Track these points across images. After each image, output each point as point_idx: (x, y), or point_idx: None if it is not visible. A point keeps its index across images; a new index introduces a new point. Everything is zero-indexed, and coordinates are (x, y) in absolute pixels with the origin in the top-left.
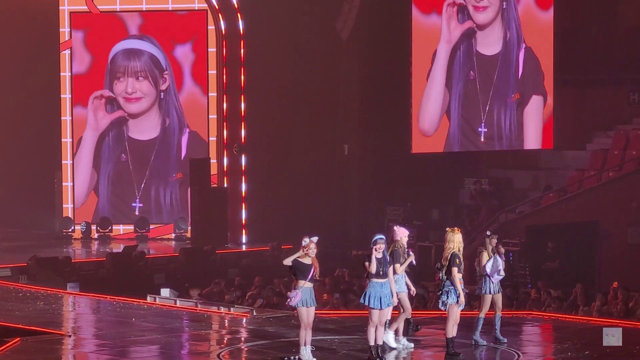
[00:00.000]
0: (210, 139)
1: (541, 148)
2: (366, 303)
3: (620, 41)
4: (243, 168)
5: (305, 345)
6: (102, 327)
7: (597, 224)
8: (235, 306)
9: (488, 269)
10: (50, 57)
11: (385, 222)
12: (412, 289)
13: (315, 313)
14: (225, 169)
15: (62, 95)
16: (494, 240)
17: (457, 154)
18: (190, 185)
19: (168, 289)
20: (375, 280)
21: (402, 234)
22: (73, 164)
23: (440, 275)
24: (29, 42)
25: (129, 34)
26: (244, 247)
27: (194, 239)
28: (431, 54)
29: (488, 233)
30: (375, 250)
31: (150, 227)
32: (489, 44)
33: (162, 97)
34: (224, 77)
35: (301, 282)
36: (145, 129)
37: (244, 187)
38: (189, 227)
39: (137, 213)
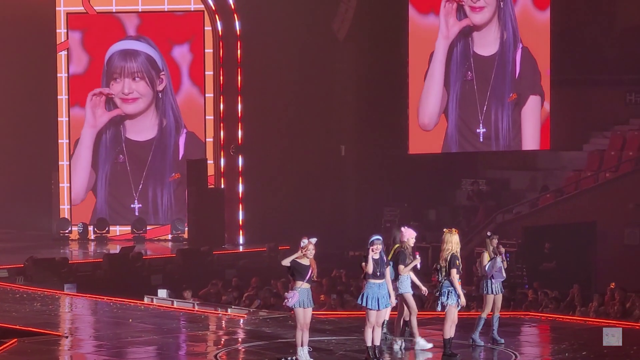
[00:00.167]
0: (207, 139)
1: (539, 149)
2: (363, 304)
3: (617, 42)
4: (240, 169)
5: (302, 346)
6: (99, 328)
7: (594, 225)
8: (233, 307)
9: (488, 270)
10: (47, 58)
11: (382, 223)
12: (424, 288)
13: (313, 314)
14: (222, 169)
15: (58, 97)
16: (495, 241)
17: (454, 154)
18: (187, 186)
19: (164, 290)
20: (372, 281)
21: (409, 235)
22: (70, 163)
23: (439, 276)
24: (25, 43)
25: (127, 34)
26: (241, 248)
27: (191, 240)
28: (428, 55)
29: (489, 234)
30: (372, 251)
31: (148, 228)
32: (486, 44)
33: (159, 97)
34: (221, 77)
35: (299, 283)
36: (143, 130)
37: (241, 188)
38: (186, 228)
39: (136, 214)
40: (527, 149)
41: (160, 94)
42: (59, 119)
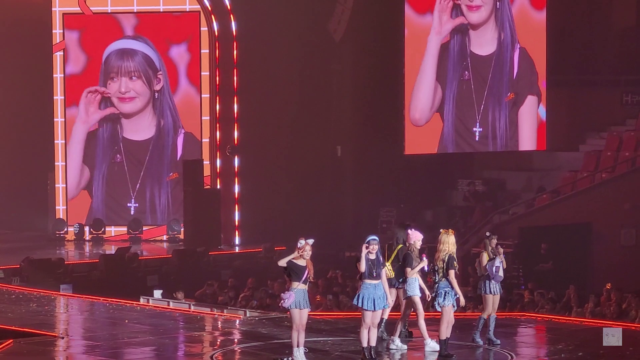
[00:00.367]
0: (203, 140)
1: (536, 149)
2: (359, 304)
3: (613, 42)
4: (236, 169)
5: (298, 346)
6: (95, 329)
7: (590, 226)
8: (229, 308)
9: (488, 270)
10: (43, 58)
11: (378, 224)
12: (427, 292)
13: (309, 314)
14: (218, 170)
15: (54, 97)
16: (494, 241)
17: (450, 155)
18: (184, 186)
19: (160, 291)
20: (368, 281)
21: (415, 237)
22: (65, 162)
23: (435, 277)
24: (21, 44)
25: (124, 34)
26: (237, 249)
27: (187, 241)
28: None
29: (488, 234)
30: (369, 251)
31: (144, 229)
32: (483, 43)
33: (156, 97)
34: (217, 78)
35: (295, 284)
36: (140, 130)
37: (237, 188)
38: (182, 229)
39: (132, 213)
40: (524, 149)
41: (157, 94)
42: (54, 119)
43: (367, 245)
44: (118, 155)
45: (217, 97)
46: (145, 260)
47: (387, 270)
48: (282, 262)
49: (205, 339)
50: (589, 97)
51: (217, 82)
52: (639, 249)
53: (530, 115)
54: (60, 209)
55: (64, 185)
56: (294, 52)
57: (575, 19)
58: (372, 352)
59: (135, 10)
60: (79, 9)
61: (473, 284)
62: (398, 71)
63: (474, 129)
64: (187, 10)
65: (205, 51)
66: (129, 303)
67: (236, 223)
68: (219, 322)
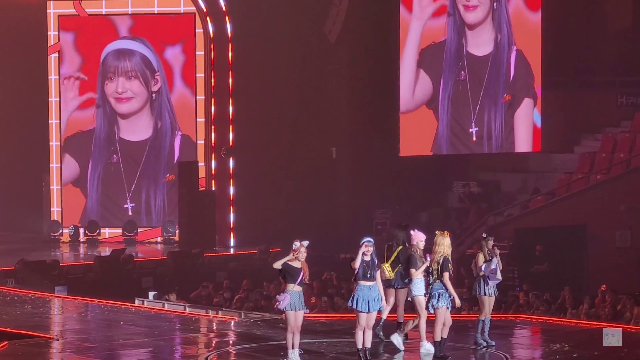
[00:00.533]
0: (198, 142)
1: (531, 151)
2: (354, 306)
3: (608, 44)
4: (231, 171)
5: (293, 348)
6: (90, 331)
7: (585, 227)
8: (224, 309)
9: (483, 271)
10: (38, 60)
11: (373, 225)
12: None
13: (304, 316)
14: (213, 172)
15: (49, 99)
16: (490, 242)
17: (445, 156)
18: (179, 188)
19: (156, 292)
20: (363, 283)
21: (418, 238)
22: (61, 167)
23: (429, 278)
24: (16, 46)
25: (119, 35)
26: (232, 251)
27: (182, 243)
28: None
29: (484, 235)
30: (364, 253)
31: (139, 231)
32: (480, 44)
33: (153, 98)
34: (212, 80)
35: (290, 286)
36: (137, 130)
37: (232, 190)
38: (177, 231)
39: (130, 213)
40: (520, 151)
41: (155, 95)
42: (50, 121)
43: (362, 246)
44: (114, 156)
45: (212, 99)
46: (140, 262)
47: (387, 272)
48: (277, 265)
49: (200, 340)
50: (584, 99)
51: (212, 84)
52: (634, 250)
53: (527, 118)
54: (55, 211)
55: (60, 188)
56: (289, 53)
57: (571, 21)
58: (367, 354)
59: (130, 12)
60: (74, 10)
61: (468, 285)
62: (393, 72)
63: (470, 129)
64: (182, 11)
65: (200, 53)
66: (123, 305)
67: (231, 225)
68: (214, 324)
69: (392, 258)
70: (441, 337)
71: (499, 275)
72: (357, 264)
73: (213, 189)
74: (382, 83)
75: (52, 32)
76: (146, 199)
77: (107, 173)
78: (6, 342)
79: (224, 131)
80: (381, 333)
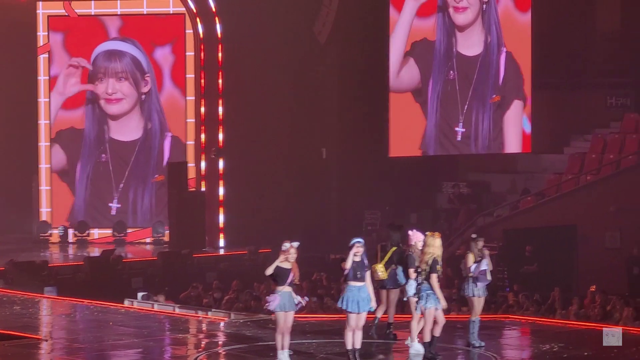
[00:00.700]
0: (188, 142)
1: (521, 152)
2: (343, 307)
3: (598, 45)
4: (221, 172)
5: (282, 349)
6: (79, 331)
7: (575, 228)
8: (213, 310)
9: (472, 271)
10: (28, 61)
11: (363, 226)
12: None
13: (293, 317)
14: (203, 173)
15: (39, 99)
16: (480, 243)
17: (434, 157)
18: (168, 189)
19: (144, 294)
20: (352, 284)
21: (416, 238)
22: (51, 167)
23: (419, 278)
24: (6, 47)
25: (109, 36)
26: (221, 251)
27: (171, 243)
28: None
29: (474, 236)
30: (354, 253)
31: (128, 231)
32: (470, 45)
33: (143, 99)
34: (202, 80)
35: (280, 287)
36: (127, 131)
37: (221, 191)
38: (167, 231)
39: (113, 213)
40: (510, 152)
41: (144, 96)
42: (39, 121)
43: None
44: (103, 155)
45: (202, 100)
46: (129, 263)
47: (380, 272)
48: (269, 271)
49: (189, 341)
50: (573, 100)
51: (202, 85)
52: (623, 251)
53: (516, 120)
54: (44, 212)
55: (49, 188)
56: (279, 54)
57: (561, 22)
58: (357, 355)
59: (119, 13)
60: (64, 11)
61: (458, 286)
62: (383, 73)
63: (457, 128)
64: (171, 12)
65: (190, 53)
66: (113, 305)
67: (221, 225)
68: (204, 325)
69: (386, 258)
70: (433, 336)
71: (488, 276)
72: (348, 264)
73: (203, 189)
74: (372, 83)
75: (41, 33)
76: (133, 199)
77: (96, 172)
78: None
79: (213, 132)
80: (374, 334)
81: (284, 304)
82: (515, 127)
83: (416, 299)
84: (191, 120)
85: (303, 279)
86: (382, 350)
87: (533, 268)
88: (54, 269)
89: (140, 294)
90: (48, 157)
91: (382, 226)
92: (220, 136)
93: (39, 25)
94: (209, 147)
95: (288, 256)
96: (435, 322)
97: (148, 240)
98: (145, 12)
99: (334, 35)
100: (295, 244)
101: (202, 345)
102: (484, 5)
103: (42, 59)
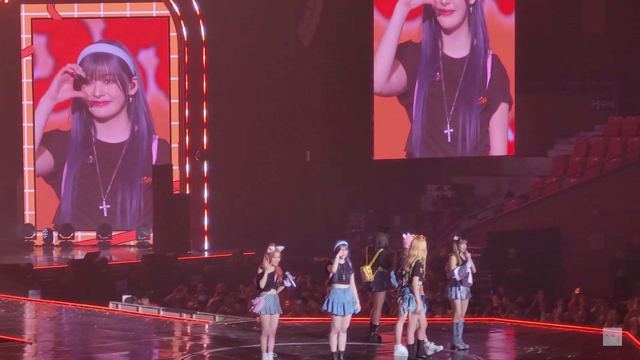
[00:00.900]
0: (172, 145)
1: (506, 155)
2: (329, 310)
3: (582, 48)
4: (205, 175)
5: (267, 352)
6: (64, 334)
7: (559, 231)
8: (198, 313)
9: (456, 275)
10: (11, 63)
11: (347, 229)
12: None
13: (279, 319)
14: (187, 175)
15: (22, 102)
16: (463, 245)
17: (419, 160)
18: (153, 191)
19: (129, 296)
20: (337, 286)
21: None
22: (34, 170)
23: (402, 281)
24: None
25: (93, 38)
26: (206, 254)
27: (156, 246)
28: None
29: (456, 238)
30: (340, 256)
31: (113, 234)
32: (456, 47)
33: (130, 102)
34: (186, 83)
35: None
36: (114, 133)
37: (206, 193)
38: (151, 234)
39: (105, 215)
40: (496, 154)
41: (132, 99)
42: (23, 124)
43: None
44: (90, 157)
45: (187, 102)
46: (114, 266)
47: (367, 274)
48: (263, 284)
49: (174, 344)
50: (557, 103)
51: (187, 87)
52: (607, 254)
53: (503, 123)
54: (28, 214)
55: (33, 191)
56: (263, 57)
57: (545, 25)
58: (341, 357)
59: (102, 16)
60: (47, 14)
61: (442, 289)
62: (367, 75)
63: (445, 130)
64: (154, 15)
65: (174, 56)
66: (98, 308)
67: (205, 228)
68: (188, 327)
69: (373, 260)
70: (417, 340)
71: (470, 280)
72: (335, 268)
73: (187, 192)
74: (356, 86)
75: (24, 35)
76: (122, 201)
77: (83, 174)
78: None
79: (198, 135)
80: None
81: (270, 307)
82: (502, 130)
83: (399, 302)
84: (175, 123)
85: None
86: (366, 353)
87: (517, 270)
88: (38, 271)
89: (124, 297)
90: (32, 159)
91: (366, 229)
92: (205, 139)
93: (22, 28)
94: (194, 149)
95: (272, 259)
96: (419, 326)
97: (132, 242)
98: (128, 15)
99: (318, 37)
100: (280, 248)
101: (187, 348)
102: (471, 8)
103: (25, 61)
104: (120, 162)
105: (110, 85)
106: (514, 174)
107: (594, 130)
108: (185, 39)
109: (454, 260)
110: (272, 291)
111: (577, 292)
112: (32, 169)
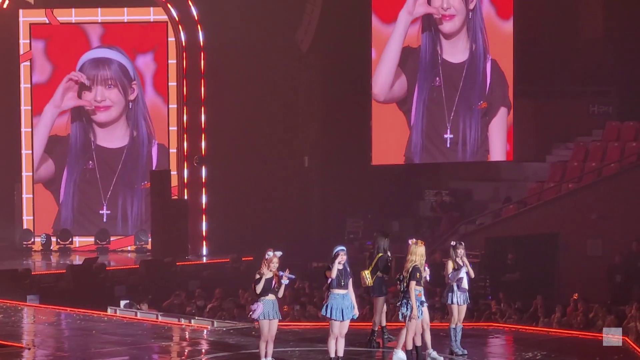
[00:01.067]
0: (170, 150)
1: (505, 160)
2: (327, 315)
3: (580, 53)
4: (203, 180)
5: (265, 357)
6: (62, 340)
7: (557, 236)
8: (196, 318)
9: (449, 278)
10: (10, 69)
11: (345, 234)
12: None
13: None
14: (185, 180)
15: (21, 107)
16: (460, 251)
17: (417, 165)
18: (151, 197)
19: (127, 302)
20: (336, 291)
21: None
22: (33, 175)
23: (401, 286)
24: None
25: (91, 43)
26: (204, 259)
27: (154, 251)
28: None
29: (453, 243)
30: (338, 261)
31: (111, 239)
32: (455, 52)
33: (130, 107)
34: (184, 88)
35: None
36: (114, 138)
37: (204, 199)
38: (150, 239)
39: (105, 220)
40: (495, 160)
41: (131, 104)
42: (21, 129)
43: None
44: (90, 162)
45: (185, 108)
46: (112, 271)
47: (367, 279)
48: (259, 289)
49: (172, 349)
50: (555, 108)
51: (185, 93)
52: (605, 259)
53: (502, 128)
54: (26, 220)
55: (31, 196)
56: (261, 62)
57: (543, 30)
58: None
59: (100, 21)
60: (45, 19)
61: (440, 294)
62: (365, 81)
63: (445, 135)
64: (152, 20)
65: (172, 61)
66: (96, 313)
67: (203, 233)
68: (187, 333)
69: (372, 265)
70: (415, 345)
71: (465, 285)
72: (334, 273)
73: (185, 197)
74: (354, 91)
75: (23, 41)
76: (122, 206)
77: (83, 179)
78: None
79: (196, 140)
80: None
81: (268, 312)
82: (501, 135)
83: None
84: (173, 128)
85: (285, 287)
86: (365, 359)
87: (515, 276)
88: (36, 277)
89: (123, 302)
90: (30, 165)
91: (364, 234)
92: (203, 144)
93: (20, 33)
94: (192, 155)
95: (270, 265)
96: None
97: (130, 248)
98: (126, 20)
99: (316, 43)
100: (279, 253)
101: (186, 354)
102: (470, 13)
103: (23, 66)
104: (121, 167)
105: (111, 90)
106: (512, 179)
107: (592, 135)
108: (184, 44)
109: (450, 265)
110: (271, 297)
111: (575, 297)
112: (31, 174)
